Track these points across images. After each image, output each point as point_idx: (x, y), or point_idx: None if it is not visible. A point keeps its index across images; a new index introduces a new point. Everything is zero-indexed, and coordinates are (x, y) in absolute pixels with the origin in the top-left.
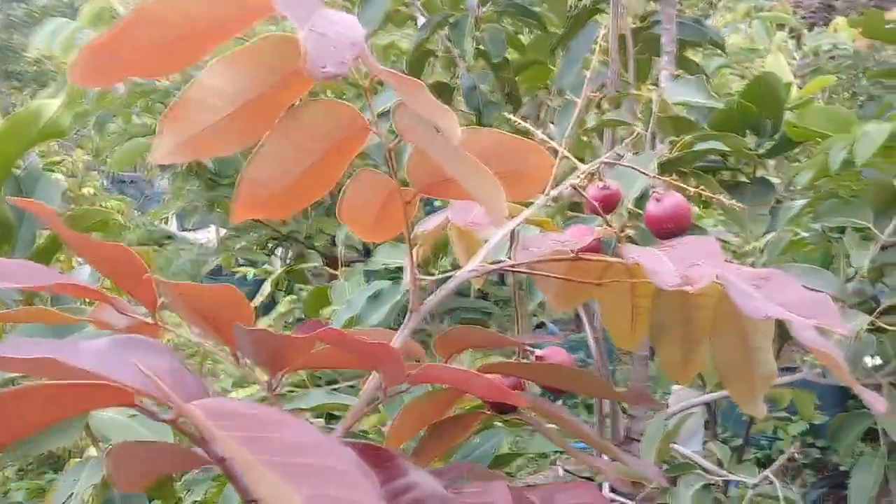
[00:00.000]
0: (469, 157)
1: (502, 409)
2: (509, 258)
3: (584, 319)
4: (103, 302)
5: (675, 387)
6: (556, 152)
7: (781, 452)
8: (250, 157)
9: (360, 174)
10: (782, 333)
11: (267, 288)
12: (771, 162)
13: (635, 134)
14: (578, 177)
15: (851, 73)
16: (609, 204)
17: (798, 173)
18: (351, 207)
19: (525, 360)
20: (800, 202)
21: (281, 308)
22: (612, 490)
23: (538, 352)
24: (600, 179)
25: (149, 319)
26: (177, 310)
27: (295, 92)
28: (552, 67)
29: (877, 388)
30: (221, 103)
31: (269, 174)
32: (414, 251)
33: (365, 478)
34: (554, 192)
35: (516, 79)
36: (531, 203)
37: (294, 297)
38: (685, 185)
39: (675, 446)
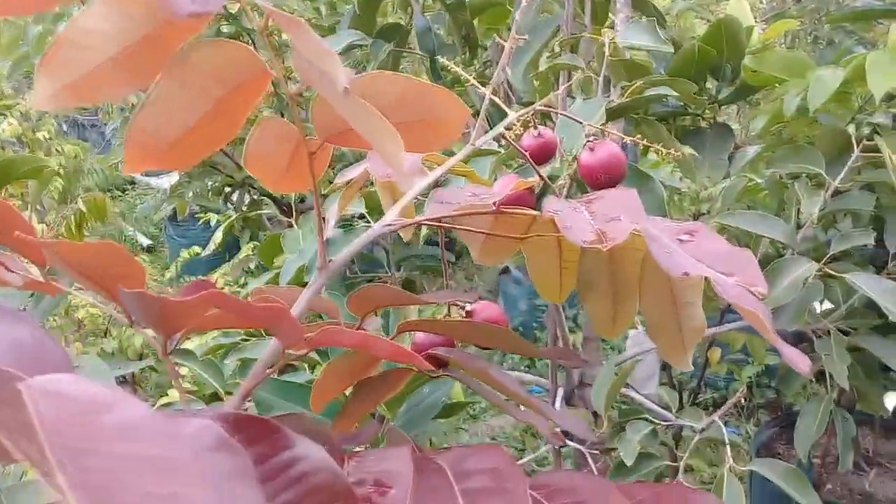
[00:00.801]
0: (363, 104)
1: (432, 364)
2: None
3: None
4: None
5: (632, 331)
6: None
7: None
8: (138, 105)
9: (263, 122)
10: None
11: (219, 236)
12: (732, 107)
13: (578, 78)
14: (509, 125)
15: (815, 17)
16: (543, 153)
17: (754, 119)
18: (257, 157)
19: (451, 318)
20: (755, 148)
21: (241, 254)
22: (566, 434)
23: (468, 307)
24: (534, 127)
25: (41, 279)
26: (62, 270)
27: (184, 32)
28: (510, 9)
29: (825, 333)
30: (102, 45)
31: (160, 123)
32: (336, 203)
33: (204, 466)
34: (480, 142)
35: (474, 21)
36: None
37: (256, 243)
38: (621, 134)
39: (628, 391)
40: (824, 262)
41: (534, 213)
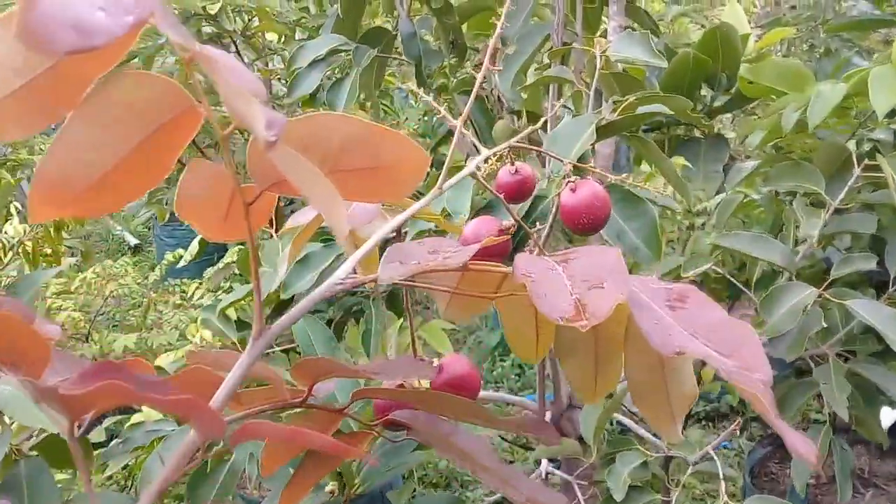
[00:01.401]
0: (292, 155)
1: (395, 426)
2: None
3: None
4: None
5: None
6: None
7: (730, 406)
8: (49, 147)
9: (193, 166)
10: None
11: (195, 246)
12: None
13: (571, 93)
14: (480, 164)
15: (811, 24)
16: (521, 191)
17: (750, 134)
18: (189, 203)
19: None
20: (751, 163)
21: (225, 259)
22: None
23: (437, 361)
24: (510, 163)
25: None
26: None
27: (96, 65)
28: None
29: (823, 357)
30: (8, 75)
31: (70, 168)
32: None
33: None
34: (448, 184)
35: (462, 26)
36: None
37: (241, 246)
38: (605, 173)
39: (618, 415)
40: (824, 288)
41: (505, 269)
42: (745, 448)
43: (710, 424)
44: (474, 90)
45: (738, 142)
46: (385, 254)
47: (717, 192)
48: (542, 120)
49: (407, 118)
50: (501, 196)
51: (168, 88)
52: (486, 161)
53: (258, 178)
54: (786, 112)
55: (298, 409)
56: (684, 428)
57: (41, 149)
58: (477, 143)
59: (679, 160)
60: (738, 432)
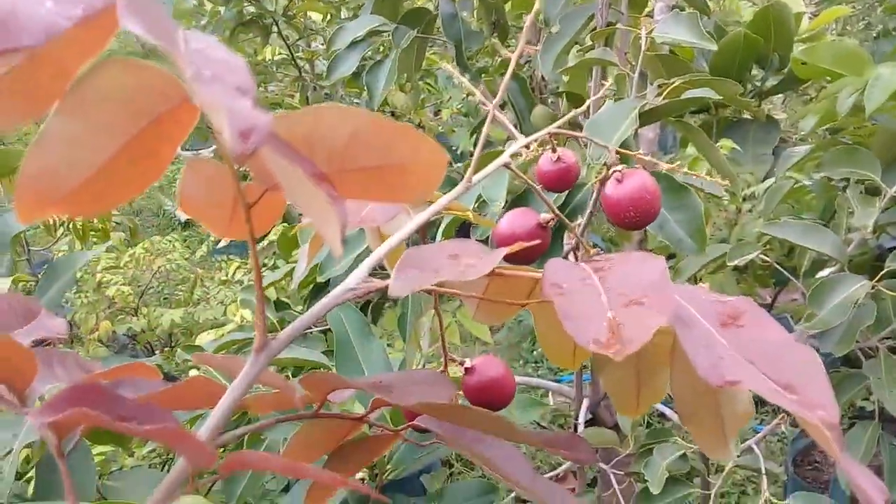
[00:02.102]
0: (279, 162)
1: (422, 429)
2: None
3: None
4: None
5: None
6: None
7: None
8: (32, 141)
9: (192, 164)
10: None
11: None
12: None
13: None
14: (517, 152)
15: (867, 2)
16: (563, 180)
17: (803, 117)
18: (192, 203)
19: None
20: (803, 148)
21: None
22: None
23: (468, 362)
24: (552, 150)
25: None
26: None
27: (77, 51)
28: None
29: (874, 350)
30: None
31: (57, 165)
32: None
33: None
34: (479, 177)
35: (505, 5)
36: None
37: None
38: (655, 160)
39: (658, 404)
40: (878, 279)
41: (536, 274)
42: (789, 434)
43: (755, 406)
44: (509, 71)
45: (788, 123)
46: (399, 261)
47: (766, 177)
48: (585, 104)
49: (451, 97)
50: (541, 187)
51: (160, 78)
52: (525, 148)
53: (258, 178)
54: (841, 96)
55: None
56: None
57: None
58: (513, 129)
59: (727, 143)
60: (781, 426)
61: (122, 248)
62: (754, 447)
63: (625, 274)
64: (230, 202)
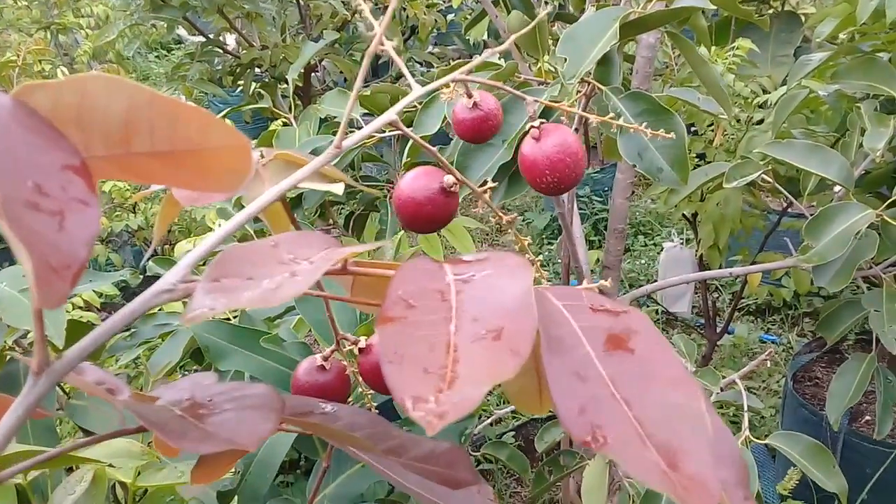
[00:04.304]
0: None
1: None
2: None
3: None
4: None
5: (667, 244)
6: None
7: (784, 301)
8: None
9: None
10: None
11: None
12: None
13: None
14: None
15: None
16: (480, 131)
17: (821, 21)
18: None
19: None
20: (820, 55)
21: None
22: None
23: (363, 341)
24: (467, 95)
25: None
26: None
27: None
28: None
29: (877, 280)
30: None
31: None
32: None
33: None
34: (350, 142)
35: None
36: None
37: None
38: (590, 115)
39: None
40: (884, 208)
41: (389, 273)
42: (795, 344)
43: (759, 319)
44: None
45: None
46: (207, 268)
47: (784, 83)
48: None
49: None
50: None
51: None
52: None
53: None
54: None
55: None
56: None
57: (88, 8)
58: (408, 74)
59: (745, 43)
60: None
61: None
62: (738, 382)
63: (488, 288)
64: None
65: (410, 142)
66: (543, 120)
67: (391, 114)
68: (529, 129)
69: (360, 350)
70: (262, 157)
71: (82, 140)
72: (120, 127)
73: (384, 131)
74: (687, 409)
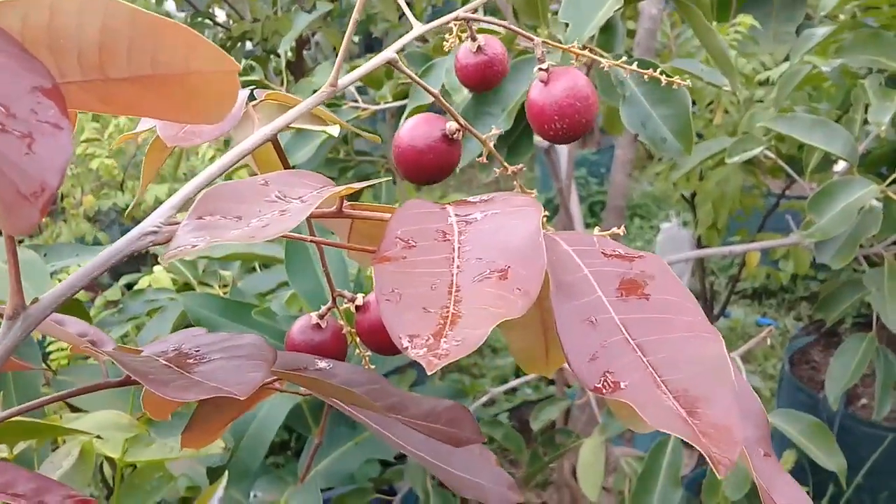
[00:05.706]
0: None
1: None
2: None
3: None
4: None
5: (664, 224)
6: None
7: (781, 285)
8: None
9: None
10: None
11: None
12: None
13: None
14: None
15: None
16: (485, 77)
17: None
18: None
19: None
20: (824, 30)
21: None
22: None
23: (360, 299)
24: (472, 38)
25: None
26: None
27: None
28: None
29: (878, 258)
30: None
31: None
32: None
33: None
34: (348, 79)
35: None
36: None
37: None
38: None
39: None
40: (887, 184)
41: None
42: (791, 328)
43: (756, 302)
44: None
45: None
46: (195, 203)
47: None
48: None
49: None
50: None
51: None
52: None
53: None
54: None
55: None
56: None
57: None
58: (408, 11)
59: (746, 19)
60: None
61: (106, 118)
62: (737, 360)
63: (495, 229)
64: None
65: (409, 108)
66: (553, 63)
67: (391, 52)
68: (537, 73)
69: (358, 308)
70: (253, 97)
71: (54, 64)
72: (94, 48)
73: (379, 103)
74: (707, 357)
